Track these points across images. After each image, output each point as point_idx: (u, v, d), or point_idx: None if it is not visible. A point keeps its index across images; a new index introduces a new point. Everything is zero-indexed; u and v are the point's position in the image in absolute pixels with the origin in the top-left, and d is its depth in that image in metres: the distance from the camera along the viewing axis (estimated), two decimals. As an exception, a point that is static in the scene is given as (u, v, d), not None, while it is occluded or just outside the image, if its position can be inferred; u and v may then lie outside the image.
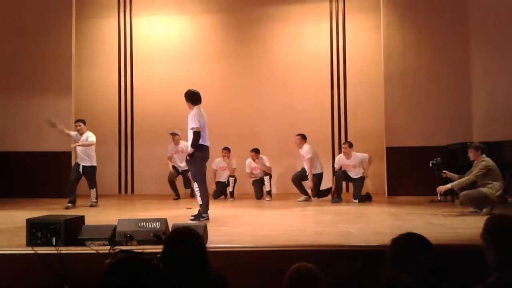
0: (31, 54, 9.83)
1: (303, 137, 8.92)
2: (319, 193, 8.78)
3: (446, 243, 4.18)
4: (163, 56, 10.84)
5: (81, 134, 8.29)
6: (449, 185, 6.59)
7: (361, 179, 8.46)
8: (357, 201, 8.21)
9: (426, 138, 9.11)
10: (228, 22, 10.91)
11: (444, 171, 6.99)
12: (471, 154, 6.68)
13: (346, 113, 10.46)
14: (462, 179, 6.56)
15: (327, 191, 8.78)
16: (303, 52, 10.64)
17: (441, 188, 6.64)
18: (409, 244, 2.44)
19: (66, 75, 9.80)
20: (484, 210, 6.32)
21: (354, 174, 8.51)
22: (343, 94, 10.54)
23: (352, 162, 8.51)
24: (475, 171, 6.51)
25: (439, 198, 7.64)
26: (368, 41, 10.41)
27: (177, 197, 9.29)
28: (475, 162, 6.65)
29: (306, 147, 8.84)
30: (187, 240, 2.53)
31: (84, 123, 8.38)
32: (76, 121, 8.54)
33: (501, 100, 8.83)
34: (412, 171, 8.91)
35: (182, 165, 8.99)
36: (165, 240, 2.64)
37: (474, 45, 9.22)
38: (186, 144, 9.04)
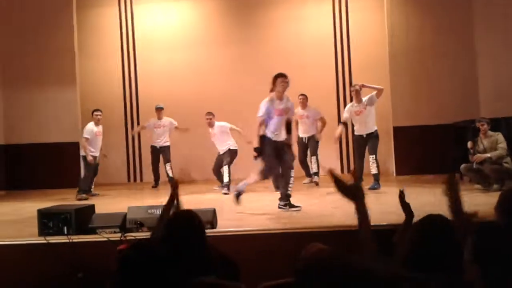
0: (34, 46, 9.81)
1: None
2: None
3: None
4: (165, 43, 10.77)
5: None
6: (488, 154, 6.57)
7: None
8: None
9: (432, 116, 9.06)
10: (228, 7, 10.81)
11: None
12: (484, 127, 6.70)
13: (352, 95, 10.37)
14: (496, 152, 6.58)
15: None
16: (306, 34, 10.53)
17: (478, 157, 6.62)
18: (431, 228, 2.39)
19: (70, 67, 9.81)
20: (495, 186, 6.31)
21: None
22: (348, 74, 10.45)
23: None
24: (501, 144, 6.57)
25: (474, 167, 6.97)
26: (372, 21, 10.27)
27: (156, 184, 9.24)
28: (481, 137, 6.70)
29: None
30: (186, 223, 2.54)
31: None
32: (95, 110, 8.54)
33: (506, 77, 8.75)
34: (419, 150, 8.88)
35: (159, 141, 9.18)
36: (166, 222, 2.64)
37: (478, 22, 9.12)
38: (169, 121, 9.19)
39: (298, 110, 8.36)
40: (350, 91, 8.20)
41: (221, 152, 8.47)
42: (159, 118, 9.31)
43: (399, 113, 9.23)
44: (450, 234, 2.28)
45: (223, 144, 8.47)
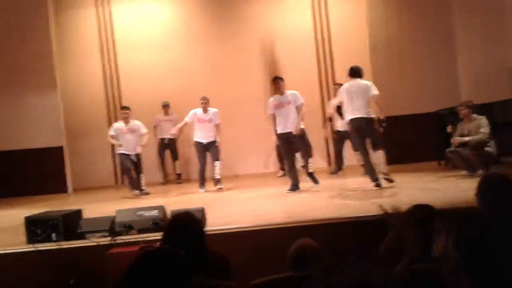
0: (12, 51, 9.65)
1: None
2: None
3: (444, 208, 4.23)
4: (145, 42, 10.68)
5: (127, 122, 8.19)
6: (466, 138, 6.58)
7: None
8: None
9: (415, 105, 9.17)
10: (208, 2, 10.77)
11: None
12: (464, 112, 6.72)
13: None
14: (476, 136, 6.56)
15: None
16: (286, 28, 10.55)
17: (455, 140, 6.67)
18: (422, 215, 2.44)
19: (49, 70, 9.67)
20: (479, 172, 6.40)
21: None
22: (330, 66, 10.51)
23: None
24: (483, 128, 6.54)
25: (452, 148, 7.02)
26: (352, 12, 10.33)
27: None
28: (465, 121, 6.73)
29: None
30: (186, 225, 2.56)
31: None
32: (122, 108, 8.53)
33: (484, 63, 8.88)
34: (403, 140, 8.97)
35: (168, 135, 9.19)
36: (166, 226, 2.67)
37: (455, 11, 9.27)
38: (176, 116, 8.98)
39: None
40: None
41: (205, 141, 7.97)
42: (166, 113, 9.62)
43: (382, 104, 9.29)
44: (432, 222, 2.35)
45: (211, 134, 7.99)
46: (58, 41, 10.08)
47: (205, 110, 8.08)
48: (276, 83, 6.97)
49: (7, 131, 9.62)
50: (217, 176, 7.84)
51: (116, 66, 10.81)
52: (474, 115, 6.72)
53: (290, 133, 6.69)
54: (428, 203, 2.59)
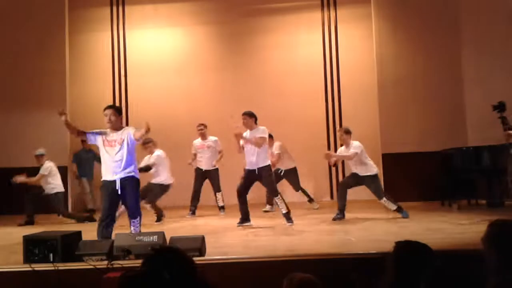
0: (26, 69, 9.84)
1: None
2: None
3: (446, 249, 4.18)
4: (157, 69, 10.86)
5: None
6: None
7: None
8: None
9: (421, 144, 9.16)
10: (220, 33, 10.96)
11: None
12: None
13: (341, 120, 10.49)
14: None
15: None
16: (297, 61, 10.69)
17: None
18: (410, 253, 2.44)
19: (61, 90, 9.82)
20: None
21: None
22: (337, 101, 10.59)
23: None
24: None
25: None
26: (361, 49, 10.47)
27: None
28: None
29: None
30: (168, 259, 2.28)
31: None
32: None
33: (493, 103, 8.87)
34: (407, 177, 8.94)
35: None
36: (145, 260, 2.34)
37: (465, 51, 9.32)
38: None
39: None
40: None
41: (205, 168, 8.23)
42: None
43: (388, 140, 9.32)
44: (427, 259, 2.33)
45: (209, 161, 8.23)
46: (72, 62, 10.26)
47: (202, 137, 8.33)
48: (243, 118, 6.80)
49: (15, 148, 9.66)
50: (221, 204, 8.24)
51: (126, 90, 10.95)
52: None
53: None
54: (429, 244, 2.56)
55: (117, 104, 10.90)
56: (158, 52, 10.97)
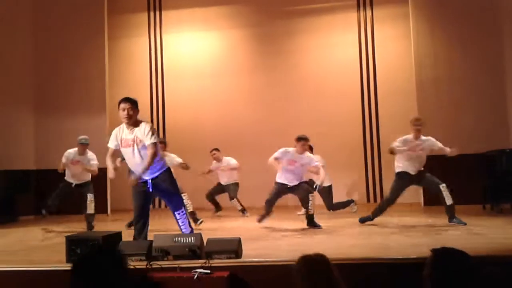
0: (66, 75, 10.12)
1: None
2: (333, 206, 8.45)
3: (488, 254, 4.04)
4: (192, 72, 10.99)
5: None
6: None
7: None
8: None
9: (462, 146, 8.88)
10: (255, 36, 11.00)
11: None
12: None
13: (378, 123, 10.34)
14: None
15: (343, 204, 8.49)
16: (332, 63, 10.61)
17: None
18: (447, 261, 2.38)
19: (100, 95, 10.06)
20: None
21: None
22: (374, 103, 10.44)
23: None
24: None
25: None
26: (398, 49, 10.30)
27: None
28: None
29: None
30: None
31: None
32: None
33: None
34: (448, 180, 8.69)
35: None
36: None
37: (507, 51, 9.02)
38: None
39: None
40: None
41: (224, 183, 8.83)
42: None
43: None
44: (466, 266, 2.27)
45: (227, 178, 8.80)
46: (110, 67, 10.49)
47: (217, 160, 8.84)
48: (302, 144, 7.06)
49: (56, 150, 9.84)
50: (239, 207, 8.60)
51: (163, 94, 11.12)
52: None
53: None
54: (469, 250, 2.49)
55: (154, 107, 11.10)
56: (194, 55, 11.11)
